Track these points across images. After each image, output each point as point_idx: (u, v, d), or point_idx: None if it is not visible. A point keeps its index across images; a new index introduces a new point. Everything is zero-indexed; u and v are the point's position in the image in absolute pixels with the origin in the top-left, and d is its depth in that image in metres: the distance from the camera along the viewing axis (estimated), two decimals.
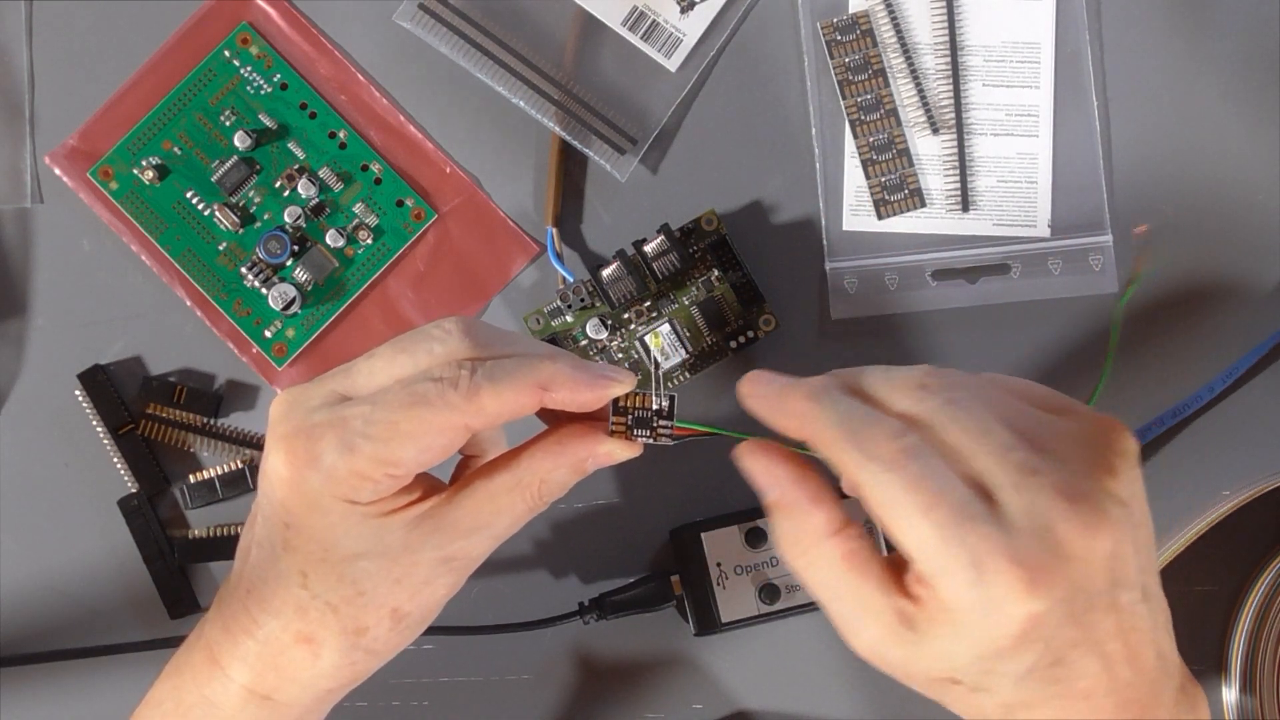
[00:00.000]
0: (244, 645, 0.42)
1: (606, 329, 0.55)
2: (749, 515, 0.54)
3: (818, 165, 0.57)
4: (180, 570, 0.55)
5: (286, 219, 0.56)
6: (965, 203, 0.57)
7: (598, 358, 0.56)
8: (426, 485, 0.42)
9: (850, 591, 0.39)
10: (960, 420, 0.38)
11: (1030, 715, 0.39)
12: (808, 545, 0.40)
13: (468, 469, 0.46)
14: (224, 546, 0.55)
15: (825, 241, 0.57)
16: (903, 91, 0.57)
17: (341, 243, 0.56)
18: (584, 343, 0.56)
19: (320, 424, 0.40)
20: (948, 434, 0.38)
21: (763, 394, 0.41)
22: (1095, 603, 0.38)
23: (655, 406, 0.42)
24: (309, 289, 0.56)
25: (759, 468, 0.41)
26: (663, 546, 0.56)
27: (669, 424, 0.42)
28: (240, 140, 0.56)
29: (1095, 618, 0.38)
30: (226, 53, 0.56)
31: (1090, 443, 0.39)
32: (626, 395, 0.42)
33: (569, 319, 0.56)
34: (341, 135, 0.56)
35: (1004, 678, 0.39)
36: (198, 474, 0.55)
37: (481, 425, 0.40)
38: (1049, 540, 0.37)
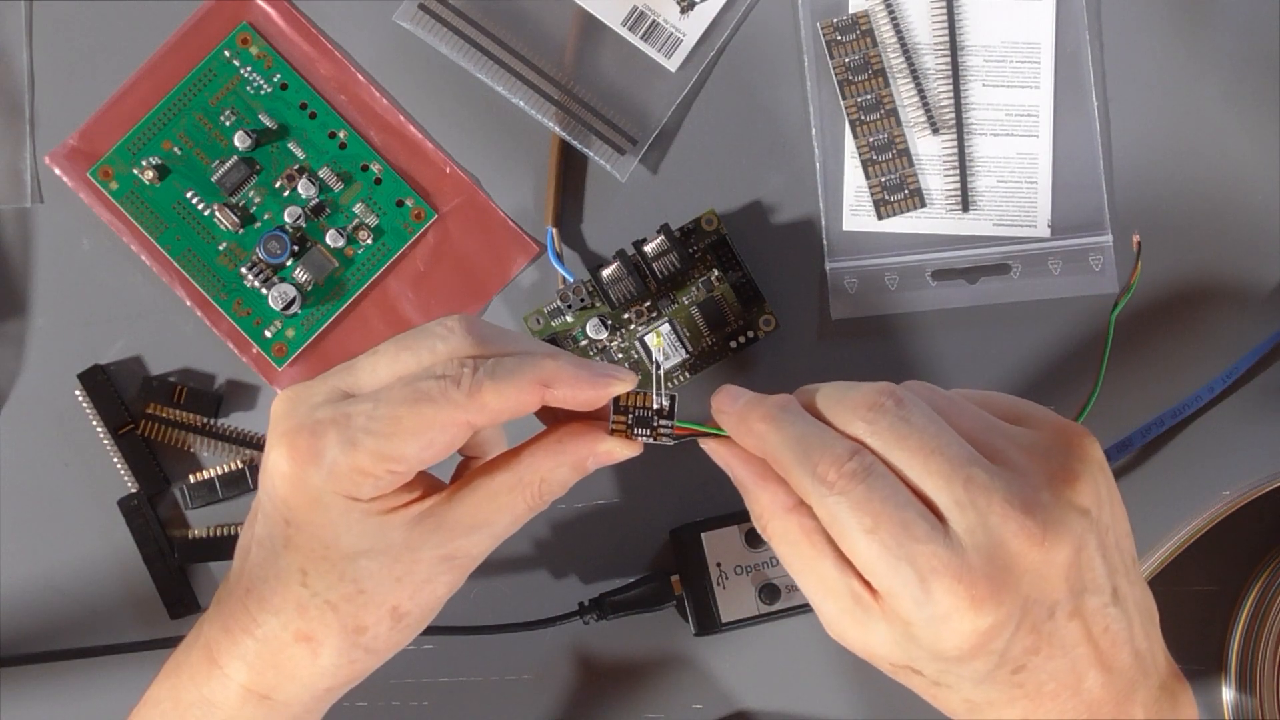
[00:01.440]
0: (243, 644, 0.42)
1: (606, 329, 0.56)
2: (749, 515, 0.54)
3: (818, 165, 0.57)
4: (180, 570, 0.55)
5: (286, 219, 0.56)
6: (965, 203, 0.57)
7: (598, 358, 0.56)
8: (427, 484, 0.42)
9: (807, 566, 0.41)
10: (907, 441, 0.39)
11: (997, 713, 0.40)
12: (766, 521, 0.42)
13: (467, 469, 0.46)
14: (224, 546, 0.55)
15: (825, 241, 0.57)
16: (903, 91, 0.57)
17: (341, 243, 0.56)
18: (584, 343, 0.56)
19: (323, 420, 0.40)
20: (895, 456, 0.39)
21: (728, 411, 0.43)
22: (1056, 611, 0.38)
23: (656, 406, 0.42)
24: (309, 289, 0.56)
25: (716, 454, 0.43)
26: (663, 546, 0.56)
27: (669, 423, 0.43)
28: (240, 140, 0.56)
29: (1057, 625, 0.39)
30: (226, 53, 0.56)
31: (1050, 452, 0.40)
32: (627, 394, 0.42)
33: (569, 319, 0.56)
34: (341, 135, 0.56)
35: (962, 679, 0.39)
36: (198, 474, 0.55)
37: (484, 422, 0.40)
38: (998, 556, 0.38)
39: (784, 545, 0.42)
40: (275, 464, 0.41)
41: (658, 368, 0.43)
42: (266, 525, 0.42)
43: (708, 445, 0.43)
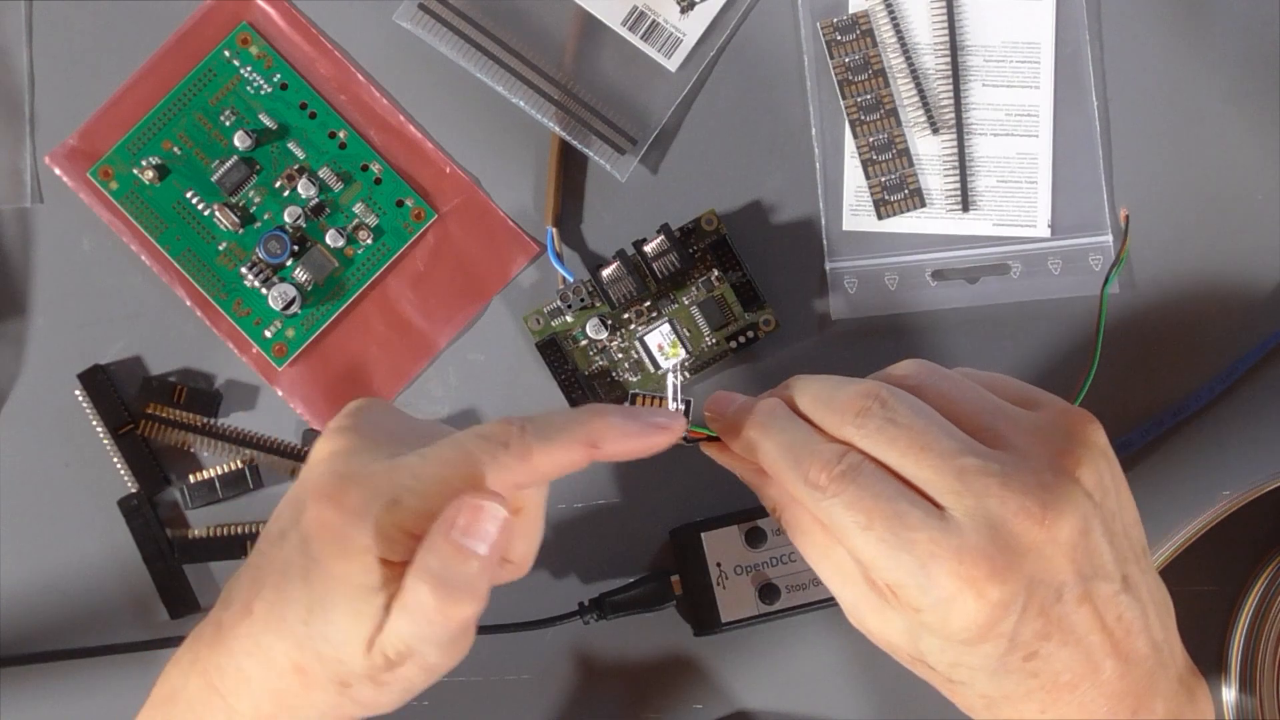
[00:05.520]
0: (246, 669, 0.41)
1: (606, 329, 0.56)
2: (749, 515, 0.54)
3: (818, 165, 0.57)
4: (180, 570, 0.55)
5: (286, 219, 0.56)
6: (965, 203, 0.57)
7: (598, 358, 0.56)
8: None
9: (822, 554, 0.41)
10: (897, 441, 0.39)
11: (1015, 709, 0.39)
12: (780, 511, 0.43)
13: None
14: (224, 546, 0.55)
15: (825, 241, 0.57)
16: (903, 91, 0.57)
17: (341, 243, 0.56)
18: (584, 343, 0.56)
19: (370, 473, 0.39)
20: (887, 457, 0.39)
21: (719, 418, 0.43)
22: (1064, 595, 0.38)
23: (672, 409, 0.43)
24: (309, 289, 0.56)
25: (719, 457, 0.44)
26: (663, 546, 0.56)
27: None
28: (240, 140, 0.56)
29: (1066, 609, 0.38)
30: (226, 53, 0.56)
31: (1053, 435, 0.40)
32: (643, 396, 0.42)
33: (569, 319, 0.56)
34: (341, 135, 0.56)
35: (976, 671, 0.39)
36: (198, 474, 0.55)
37: (532, 483, 0.40)
38: (999, 535, 0.38)
39: (798, 534, 0.42)
40: (319, 511, 0.39)
41: (676, 373, 0.44)
42: (291, 551, 0.40)
43: (709, 450, 0.44)
